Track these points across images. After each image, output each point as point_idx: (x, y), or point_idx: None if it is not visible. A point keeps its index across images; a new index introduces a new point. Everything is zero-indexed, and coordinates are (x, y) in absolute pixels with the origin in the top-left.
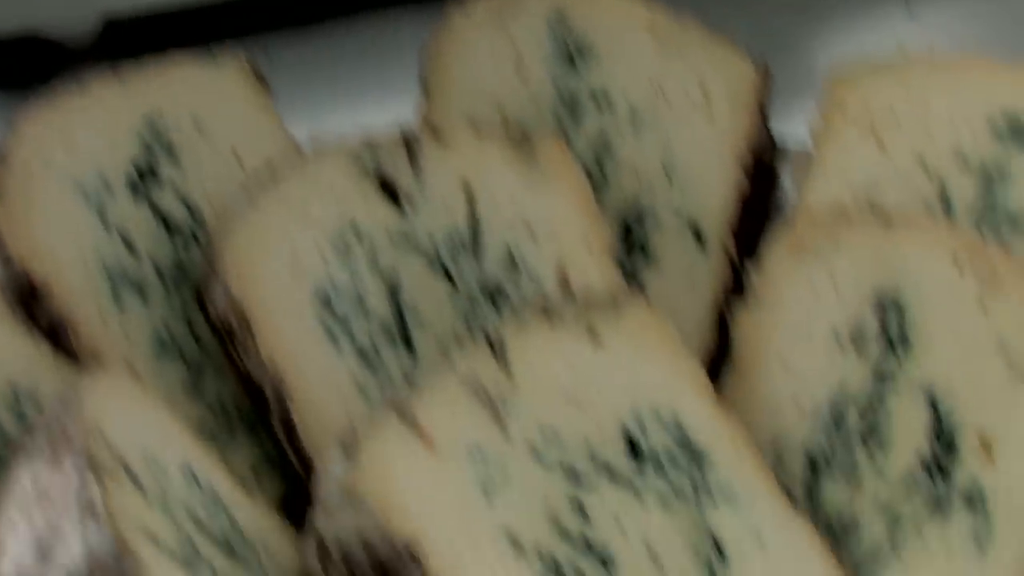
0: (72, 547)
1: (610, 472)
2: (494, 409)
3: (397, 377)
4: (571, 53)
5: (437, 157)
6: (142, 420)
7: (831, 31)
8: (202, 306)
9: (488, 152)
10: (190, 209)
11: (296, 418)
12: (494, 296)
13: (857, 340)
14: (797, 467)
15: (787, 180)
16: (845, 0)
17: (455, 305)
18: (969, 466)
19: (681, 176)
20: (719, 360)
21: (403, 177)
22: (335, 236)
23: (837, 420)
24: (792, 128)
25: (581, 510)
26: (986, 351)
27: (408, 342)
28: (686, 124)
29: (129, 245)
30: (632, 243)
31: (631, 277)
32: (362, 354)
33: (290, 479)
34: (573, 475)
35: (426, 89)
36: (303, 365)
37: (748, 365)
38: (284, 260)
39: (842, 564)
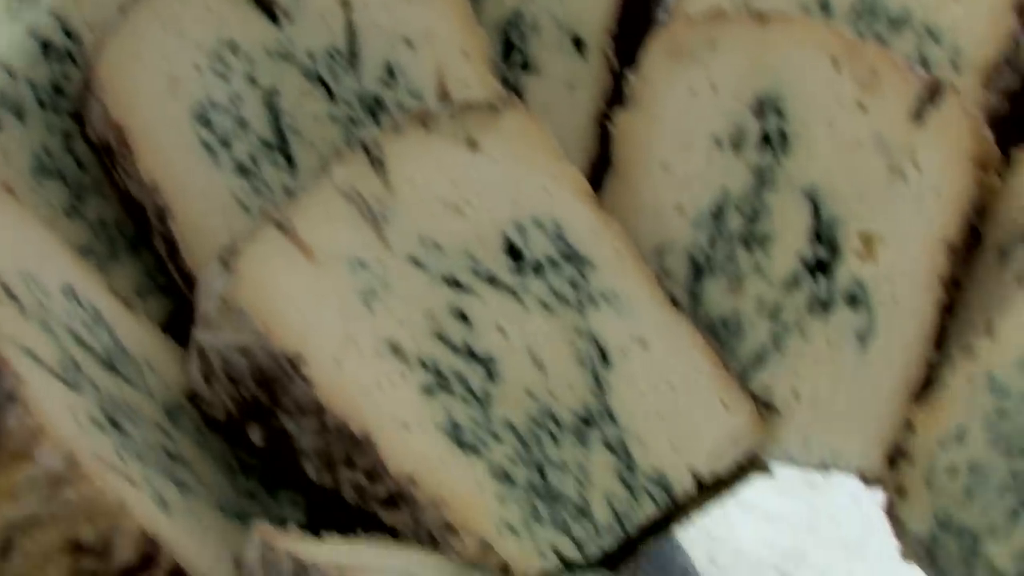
0: None
1: (491, 279)
2: (373, 219)
3: (277, 191)
4: None
5: None
6: (21, 240)
7: None
8: (81, 127)
9: None
10: (69, 33)
11: (177, 235)
12: (373, 109)
13: (737, 142)
14: (680, 270)
15: None
16: None
17: (334, 119)
18: (850, 264)
19: None
20: (601, 167)
21: None
22: (212, 52)
23: (719, 223)
24: None
25: (463, 317)
26: (865, 149)
27: (288, 157)
28: None
29: (7, 69)
30: (512, 52)
31: (511, 86)
32: (242, 169)
33: (173, 298)
34: (454, 283)
35: None
36: (183, 182)
37: (629, 171)
38: (161, 78)
39: (727, 365)
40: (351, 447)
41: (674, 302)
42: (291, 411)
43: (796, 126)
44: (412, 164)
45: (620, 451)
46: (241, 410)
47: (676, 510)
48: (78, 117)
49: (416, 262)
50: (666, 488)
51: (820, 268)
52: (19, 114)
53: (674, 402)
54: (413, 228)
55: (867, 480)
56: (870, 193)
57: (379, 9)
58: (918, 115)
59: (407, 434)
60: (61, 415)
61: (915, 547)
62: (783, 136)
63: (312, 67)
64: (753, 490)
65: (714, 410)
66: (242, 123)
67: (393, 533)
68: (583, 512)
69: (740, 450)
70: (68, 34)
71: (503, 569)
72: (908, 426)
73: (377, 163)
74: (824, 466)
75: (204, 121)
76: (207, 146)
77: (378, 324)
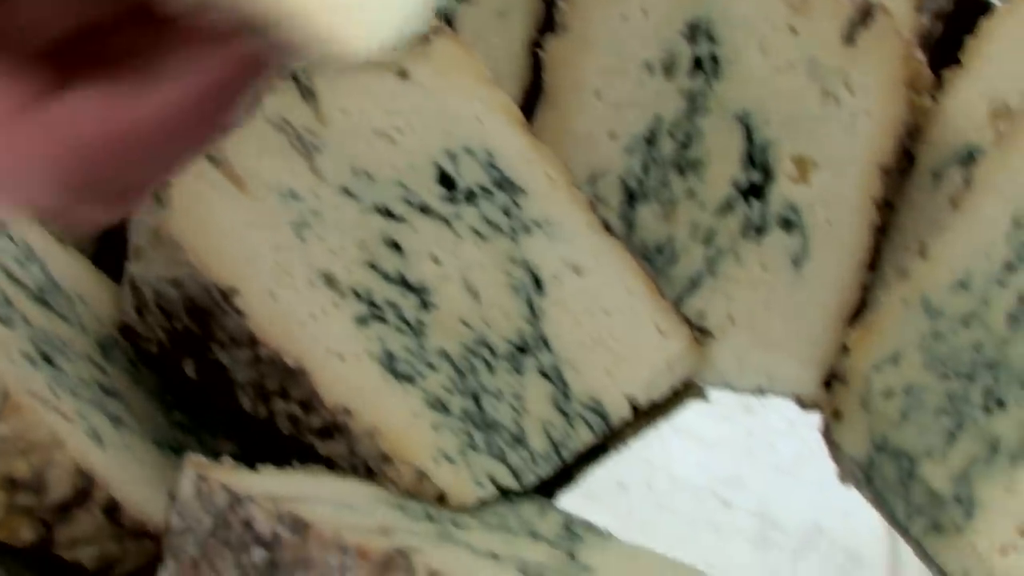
0: None
1: (424, 208)
2: (305, 150)
3: None
4: None
5: None
6: None
7: None
8: None
9: None
10: None
11: None
12: None
13: (669, 67)
14: (613, 197)
15: None
16: None
17: None
18: (783, 188)
19: None
20: (533, 94)
21: None
22: None
23: (652, 149)
24: None
25: (395, 247)
26: (797, 73)
27: None
28: None
29: None
30: None
31: (442, 15)
32: None
33: (106, 232)
34: (386, 213)
35: None
36: None
37: (561, 98)
38: None
39: (662, 291)
40: (285, 378)
41: (608, 228)
42: (225, 343)
43: (728, 51)
44: (343, 94)
45: (555, 378)
46: (174, 343)
47: (612, 437)
48: None
49: (348, 192)
50: (602, 415)
51: (753, 192)
52: None
53: (609, 328)
54: (345, 158)
55: (803, 404)
56: (803, 117)
57: None
58: (849, 38)
59: (341, 364)
60: None
61: (852, 470)
62: (715, 61)
63: None
64: (689, 415)
65: (649, 336)
66: None
67: (329, 464)
68: (519, 440)
69: (676, 375)
70: None
71: (439, 498)
72: (843, 349)
73: (308, 94)
74: (760, 390)
75: None
76: None
77: (311, 255)
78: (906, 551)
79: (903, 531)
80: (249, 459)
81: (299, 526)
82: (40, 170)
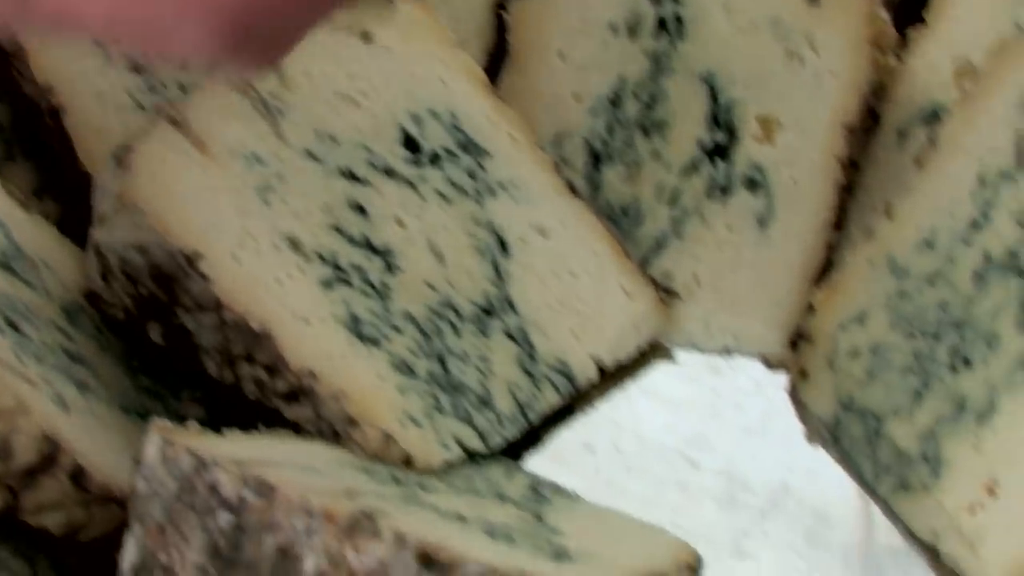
0: None
1: (388, 171)
2: (269, 114)
3: (172, 88)
4: None
5: None
6: None
7: None
8: None
9: None
10: None
11: (72, 134)
12: None
13: (633, 28)
14: (578, 158)
15: None
16: None
17: None
18: (748, 148)
19: None
20: (498, 57)
21: None
22: None
23: (616, 110)
24: None
25: (360, 210)
26: (761, 33)
27: None
28: None
29: None
30: None
31: None
32: (135, 67)
33: (70, 198)
34: (351, 176)
35: None
36: (76, 80)
37: (525, 59)
38: None
39: (628, 252)
40: (251, 342)
41: (573, 190)
42: (190, 308)
43: (692, 10)
44: (307, 57)
45: (521, 340)
46: (140, 308)
47: (579, 398)
48: None
49: (312, 156)
50: (568, 376)
51: (719, 153)
52: None
53: (575, 290)
54: (309, 122)
55: (769, 364)
56: (767, 76)
57: None
58: None
59: (307, 328)
60: None
61: (819, 429)
62: (679, 21)
63: None
64: (656, 376)
65: (615, 297)
66: None
67: (295, 428)
68: (485, 402)
69: (642, 337)
70: None
71: (405, 461)
72: (809, 309)
73: None
74: (726, 350)
75: None
76: (99, 42)
77: (275, 218)
78: (875, 511)
79: (871, 490)
80: (215, 424)
81: (265, 490)
82: (199, 20)
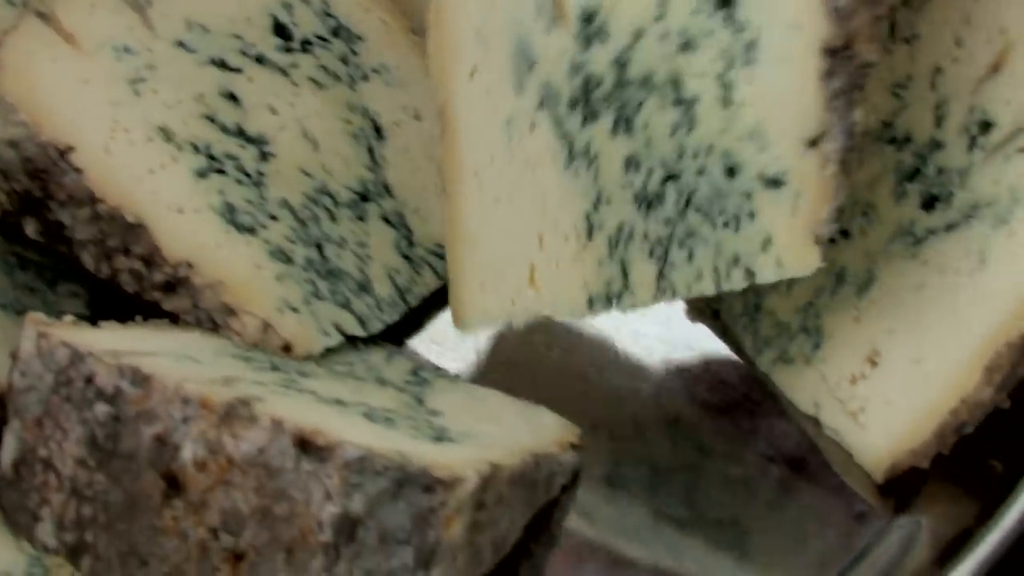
0: None
1: (260, 58)
2: (137, 3)
3: None
4: None
5: None
6: None
7: None
8: None
9: None
10: None
11: None
12: None
13: None
14: None
15: None
16: None
17: None
18: None
19: None
20: None
21: None
22: None
23: None
24: None
25: (233, 98)
26: None
27: None
28: None
29: None
30: None
31: None
32: None
33: None
34: (222, 64)
35: None
36: None
37: None
38: None
39: None
40: (126, 234)
41: None
42: (64, 202)
43: None
44: None
45: (399, 224)
46: (15, 204)
47: None
48: None
49: (183, 45)
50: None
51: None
52: None
53: None
54: (178, 11)
55: None
56: None
57: None
58: None
59: (182, 218)
60: None
61: (699, 305)
62: None
63: None
64: None
65: None
66: None
67: (174, 320)
68: (364, 288)
69: None
70: None
71: (284, 348)
72: None
73: None
74: None
75: None
76: None
77: (147, 110)
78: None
79: (751, 365)
80: (95, 319)
81: (141, 379)
82: None
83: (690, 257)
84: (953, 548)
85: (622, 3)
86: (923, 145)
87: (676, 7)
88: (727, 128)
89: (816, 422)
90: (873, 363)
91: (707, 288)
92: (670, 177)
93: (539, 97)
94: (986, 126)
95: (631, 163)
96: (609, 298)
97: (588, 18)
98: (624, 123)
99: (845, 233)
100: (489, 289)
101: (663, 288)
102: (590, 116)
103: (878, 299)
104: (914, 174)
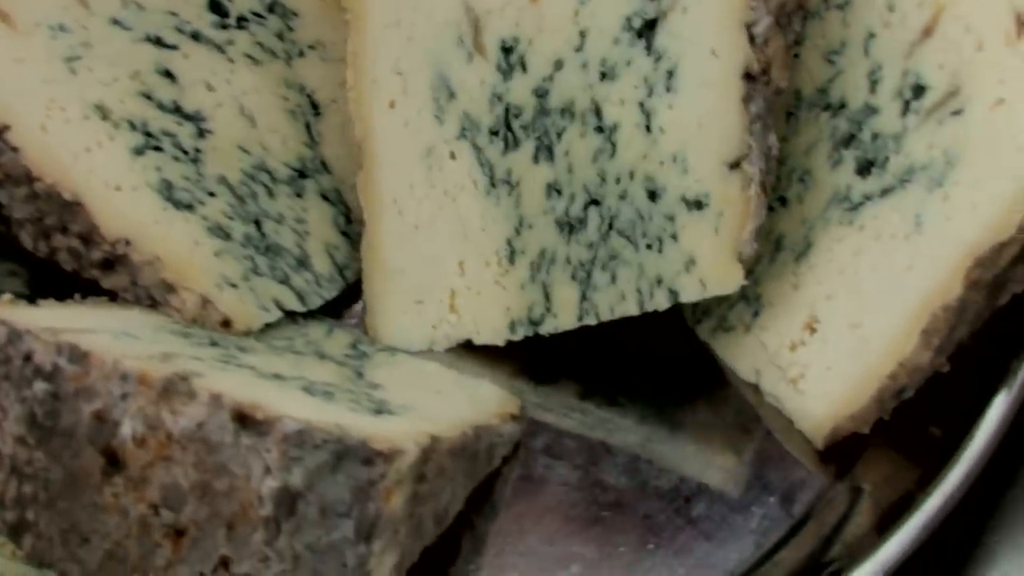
0: None
1: (196, 35)
2: None
3: None
4: None
5: None
6: None
7: None
8: None
9: None
10: None
11: None
12: None
13: None
14: None
15: None
16: None
17: None
18: None
19: None
20: None
21: None
22: None
23: None
24: None
25: (169, 76)
26: None
27: None
28: None
29: None
30: None
31: None
32: None
33: None
34: (159, 42)
35: None
36: None
37: None
38: None
39: None
40: (64, 213)
41: None
42: (1, 181)
43: None
44: None
45: (336, 201)
46: None
47: None
48: None
49: (119, 23)
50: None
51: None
52: None
53: None
54: None
55: None
56: None
57: None
58: None
59: (119, 195)
60: None
61: None
62: None
63: None
64: None
65: None
66: None
67: (112, 297)
68: (303, 263)
69: None
70: None
71: (224, 323)
72: None
73: None
74: None
75: None
76: None
77: (83, 88)
78: None
79: (691, 333)
80: (34, 298)
81: (79, 356)
82: None
83: (613, 279)
84: (894, 513)
85: (542, 34)
86: (858, 111)
87: (596, 37)
88: (648, 153)
89: (757, 389)
90: (812, 329)
91: (630, 309)
92: (592, 202)
93: (459, 127)
94: (919, 90)
95: (553, 189)
96: (532, 321)
97: (508, 49)
98: (546, 151)
99: (783, 200)
100: (410, 315)
101: (586, 310)
102: (511, 144)
103: (816, 265)
104: (849, 140)
